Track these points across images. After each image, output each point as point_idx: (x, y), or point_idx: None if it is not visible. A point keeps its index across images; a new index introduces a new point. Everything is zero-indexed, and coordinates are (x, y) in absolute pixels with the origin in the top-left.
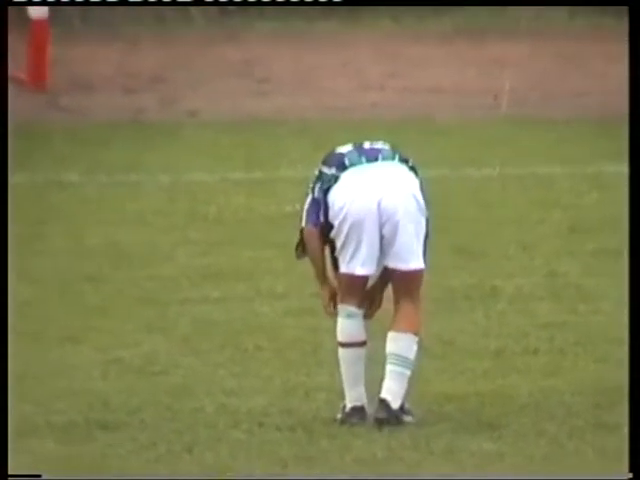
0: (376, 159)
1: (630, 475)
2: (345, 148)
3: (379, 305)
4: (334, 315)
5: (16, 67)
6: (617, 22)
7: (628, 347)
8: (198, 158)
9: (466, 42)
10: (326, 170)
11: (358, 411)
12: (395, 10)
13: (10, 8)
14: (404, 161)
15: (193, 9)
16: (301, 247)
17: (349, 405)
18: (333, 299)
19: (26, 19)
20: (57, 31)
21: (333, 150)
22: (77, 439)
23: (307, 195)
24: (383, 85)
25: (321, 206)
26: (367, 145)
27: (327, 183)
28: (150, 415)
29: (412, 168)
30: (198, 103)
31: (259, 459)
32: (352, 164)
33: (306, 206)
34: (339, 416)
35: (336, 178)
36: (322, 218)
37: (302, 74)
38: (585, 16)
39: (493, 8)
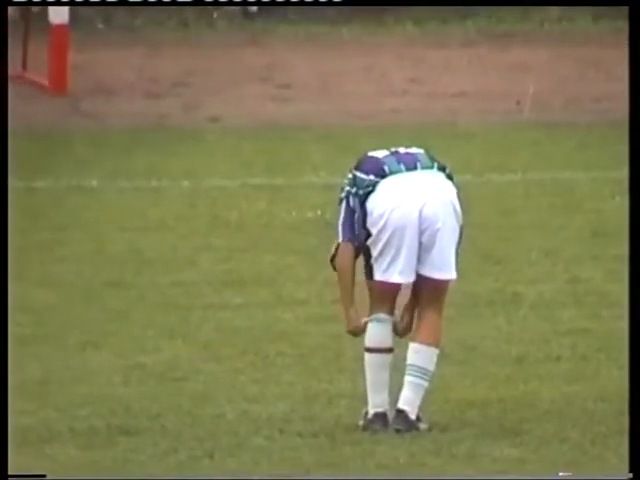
0: (415, 167)
1: (630, 475)
2: (380, 153)
3: (411, 324)
4: (359, 333)
5: (37, 72)
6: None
7: (629, 345)
8: (220, 164)
9: (489, 47)
10: (363, 176)
11: (381, 417)
12: (418, 14)
13: (31, 14)
14: (442, 169)
15: (215, 14)
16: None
17: (372, 411)
18: (359, 324)
19: (47, 24)
20: (78, 36)
21: (366, 155)
22: (99, 444)
23: (340, 203)
24: (406, 90)
25: (357, 216)
26: (403, 150)
27: (365, 189)
28: (171, 421)
29: (449, 176)
30: (220, 108)
31: (280, 465)
32: (392, 172)
33: (341, 219)
34: (361, 422)
35: (375, 185)
36: (357, 230)
37: (324, 79)
38: (609, 20)
39: (517, 12)
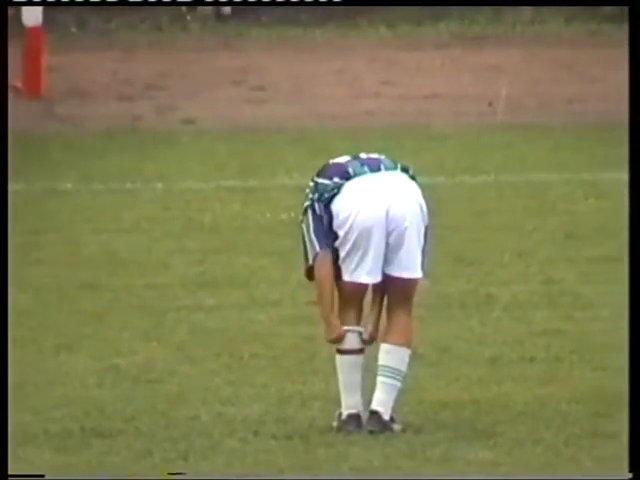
0: (379, 169)
1: (630, 475)
2: (343, 159)
3: (375, 332)
4: (340, 342)
5: (12, 75)
6: (613, 28)
7: (628, 343)
8: (194, 166)
9: (462, 49)
10: (326, 181)
11: (354, 418)
12: (390, 17)
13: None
14: (405, 170)
15: (189, 17)
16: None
17: (345, 412)
18: (341, 332)
19: (21, 27)
20: (52, 39)
21: (328, 162)
22: (73, 447)
23: (305, 213)
24: (379, 92)
25: (325, 221)
26: (364, 155)
27: (329, 192)
28: (145, 423)
29: (412, 177)
30: (194, 111)
31: (255, 468)
32: (356, 174)
33: (311, 229)
34: (335, 424)
35: (339, 187)
36: (328, 234)
37: (298, 82)
38: (581, 22)
39: (489, 14)
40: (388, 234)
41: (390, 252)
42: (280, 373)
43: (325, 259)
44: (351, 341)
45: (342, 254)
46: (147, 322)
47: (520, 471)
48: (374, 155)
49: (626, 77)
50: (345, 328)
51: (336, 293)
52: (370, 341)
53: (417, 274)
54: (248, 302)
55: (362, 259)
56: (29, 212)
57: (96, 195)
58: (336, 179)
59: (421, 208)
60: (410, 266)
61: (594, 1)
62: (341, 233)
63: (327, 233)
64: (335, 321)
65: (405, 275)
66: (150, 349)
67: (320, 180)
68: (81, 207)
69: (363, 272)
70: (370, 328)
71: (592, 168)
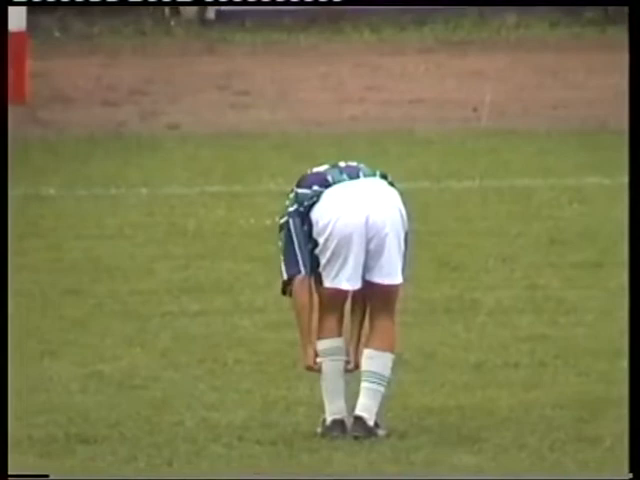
0: (358, 176)
1: (630, 475)
2: (321, 168)
3: (357, 356)
4: (316, 370)
5: None
6: (597, 33)
7: (629, 348)
8: (178, 171)
9: (446, 54)
10: (305, 190)
11: (339, 424)
12: (374, 21)
13: None
14: (384, 177)
15: (173, 21)
16: (288, 292)
17: (329, 418)
18: (314, 358)
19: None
20: (36, 44)
21: (306, 172)
22: (57, 453)
23: (281, 231)
24: (363, 98)
25: (299, 240)
26: (343, 164)
27: (309, 201)
28: (130, 429)
29: (391, 183)
30: (178, 116)
31: (239, 473)
32: (335, 181)
33: (284, 252)
34: (319, 430)
35: (319, 195)
36: (303, 255)
37: (282, 87)
38: (565, 27)
39: (474, 19)
40: (368, 241)
41: (370, 259)
42: (264, 379)
43: (304, 285)
44: (334, 369)
45: (323, 261)
46: (131, 328)
47: (504, 476)
48: (352, 163)
49: (609, 82)
50: (319, 360)
51: (316, 305)
52: (355, 368)
53: (398, 280)
54: (232, 307)
55: (342, 266)
56: (12, 218)
57: (80, 201)
58: (315, 187)
59: (400, 214)
60: (391, 272)
61: (594, 1)
62: (321, 240)
63: (305, 249)
64: (311, 351)
65: (386, 282)
66: (134, 355)
67: (300, 190)
68: (64, 213)
69: (343, 278)
70: (352, 355)
71: (576, 173)
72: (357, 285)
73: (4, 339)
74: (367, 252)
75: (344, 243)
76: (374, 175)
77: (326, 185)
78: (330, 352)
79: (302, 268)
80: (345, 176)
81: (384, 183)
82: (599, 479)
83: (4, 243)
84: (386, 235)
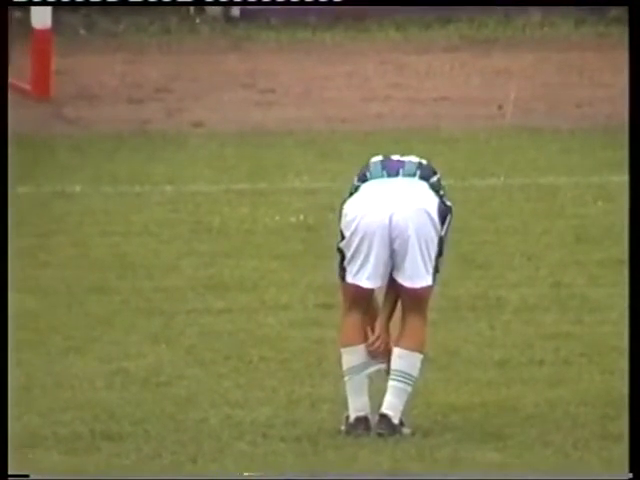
0: (397, 174)
1: (630, 475)
2: (375, 158)
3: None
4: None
5: (20, 78)
6: (622, 31)
7: (629, 345)
8: (203, 169)
9: (471, 52)
10: (355, 182)
11: (362, 421)
12: (400, 20)
13: (13, 18)
14: (425, 178)
15: (198, 19)
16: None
17: (353, 415)
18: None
19: (29, 29)
20: (61, 41)
21: (367, 162)
22: (82, 450)
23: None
24: (388, 95)
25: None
26: (395, 157)
27: (350, 194)
28: (154, 426)
29: (433, 185)
30: (203, 114)
31: (263, 470)
32: (372, 177)
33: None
34: (343, 427)
35: (357, 188)
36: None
37: (307, 85)
38: (590, 25)
39: (499, 17)
40: (392, 241)
41: (396, 259)
42: (289, 376)
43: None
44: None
45: (347, 255)
46: (156, 325)
47: (529, 473)
48: (405, 158)
49: None
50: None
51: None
52: (383, 354)
53: (420, 283)
54: (257, 305)
55: (363, 264)
56: (37, 215)
57: (105, 198)
58: (355, 180)
59: (429, 217)
60: (413, 275)
61: (594, 1)
62: (347, 234)
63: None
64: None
65: (408, 284)
66: (159, 352)
67: (354, 182)
68: (90, 210)
69: (364, 277)
70: (378, 333)
71: (601, 171)
72: (378, 284)
73: (4, 339)
74: (392, 252)
75: (367, 241)
76: (414, 175)
77: (363, 180)
78: (355, 370)
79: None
80: (384, 172)
81: (423, 185)
82: (599, 479)
83: (4, 243)
84: (409, 237)
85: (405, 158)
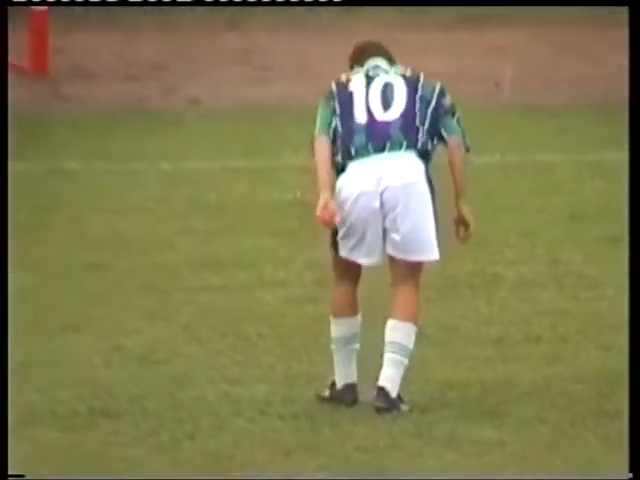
0: (383, 149)
1: (630, 475)
2: (356, 79)
3: None
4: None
5: (17, 55)
6: (618, 8)
7: (629, 340)
8: (199, 146)
9: (467, 30)
10: (338, 158)
11: (351, 388)
12: None
13: None
14: (411, 148)
15: None
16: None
17: (341, 382)
18: (328, 210)
19: (27, 8)
20: (58, 19)
21: (341, 80)
22: (80, 427)
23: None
24: None
25: (336, 115)
26: (380, 119)
27: (336, 171)
28: (152, 403)
29: (422, 153)
30: (199, 91)
31: (261, 447)
32: (358, 154)
33: (324, 113)
34: (327, 393)
35: (343, 167)
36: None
37: (303, 62)
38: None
39: None
40: (384, 218)
41: (388, 234)
42: (286, 353)
43: (326, 145)
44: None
45: (340, 233)
46: (153, 302)
47: (526, 450)
48: (389, 116)
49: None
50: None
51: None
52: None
53: (417, 257)
54: (254, 282)
55: (359, 242)
56: (34, 192)
57: (101, 175)
58: (339, 157)
59: (418, 189)
60: (406, 249)
61: (594, 1)
62: (342, 209)
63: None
64: (322, 202)
65: (401, 257)
66: (156, 329)
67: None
68: (86, 187)
69: (360, 255)
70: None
71: (597, 149)
72: (374, 261)
73: (4, 339)
74: (384, 229)
75: (361, 222)
76: (400, 148)
77: (350, 157)
78: (344, 342)
79: (327, 134)
80: (370, 147)
81: (410, 155)
82: (599, 479)
83: (4, 238)
84: (398, 213)
85: (389, 116)
